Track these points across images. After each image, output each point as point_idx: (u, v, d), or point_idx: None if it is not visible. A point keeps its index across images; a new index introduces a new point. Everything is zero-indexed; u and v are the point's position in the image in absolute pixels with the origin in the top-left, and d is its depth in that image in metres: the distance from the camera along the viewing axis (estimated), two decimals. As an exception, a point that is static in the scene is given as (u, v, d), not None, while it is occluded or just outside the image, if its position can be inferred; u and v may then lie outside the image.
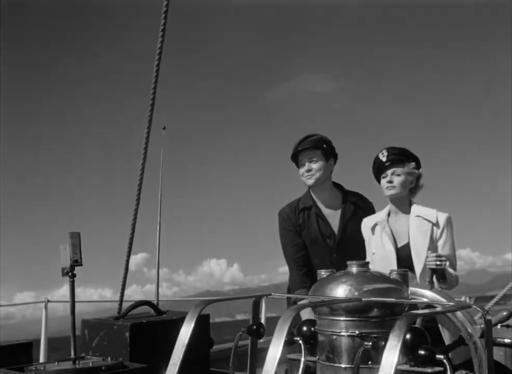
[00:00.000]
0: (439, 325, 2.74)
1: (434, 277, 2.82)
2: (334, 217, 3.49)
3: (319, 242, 3.45)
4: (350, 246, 3.37)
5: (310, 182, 3.48)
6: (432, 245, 2.98)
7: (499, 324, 3.12)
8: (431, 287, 2.73)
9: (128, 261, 3.80)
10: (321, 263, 3.38)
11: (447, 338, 2.72)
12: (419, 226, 3.01)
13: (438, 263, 2.79)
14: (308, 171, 3.46)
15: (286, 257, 3.57)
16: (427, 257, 2.89)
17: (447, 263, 2.92)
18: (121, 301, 3.77)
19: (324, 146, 3.48)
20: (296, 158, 3.54)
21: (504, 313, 2.76)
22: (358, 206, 3.53)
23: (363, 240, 3.31)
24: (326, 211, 3.51)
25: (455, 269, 2.99)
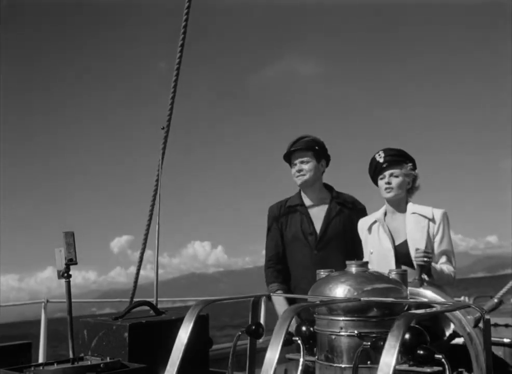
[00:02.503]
0: (444, 326, 2.73)
1: (423, 273, 2.82)
2: (319, 216, 3.58)
3: (301, 239, 3.54)
4: (332, 245, 3.49)
5: (301, 182, 3.59)
6: (430, 242, 2.98)
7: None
8: (420, 284, 2.73)
9: (143, 248, 3.85)
10: (303, 259, 3.51)
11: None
12: (416, 222, 3.02)
13: (425, 259, 2.79)
14: (299, 171, 3.58)
15: (265, 253, 3.71)
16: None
17: (447, 257, 2.94)
18: (135, 287, 3.82)
19: (316, 147, 3.58)
20: (289, 159, 3.65)
21: (495, 300, 2.76)
22: (344, 206, 3.60)
23: (348, 239, 3.45)
24: (312, 210, 3.61)
25: (452, 264, 2.99)
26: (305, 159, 3.56)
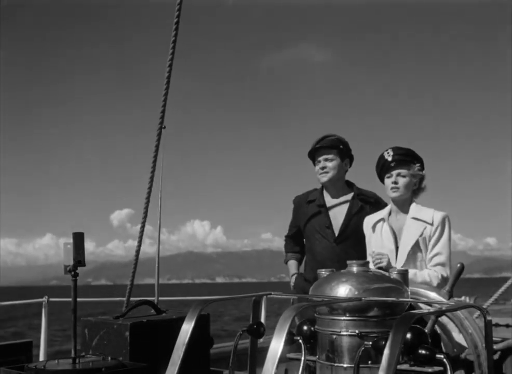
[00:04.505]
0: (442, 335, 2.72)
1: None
2: (339, 212, 3.64)
3: (318, 232, 3.65)
4: (352, 240, 3.54)
5: (324, 179, 3.65)
6: (424, 247, 2.97)
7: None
8: (449, 297, 2.70)
9: (142, 229, 3.87)
10: (322, 251, 3.62)
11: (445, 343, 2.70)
12: (412, 228, 3.01)
13: (377, 262, 2.83)
14: (323, 168, 3.63)
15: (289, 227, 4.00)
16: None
17: (439, 260, 2.93)
18: (131, 288, 3.84)
19: (341, 146, 3.64)
20: (313, 156, 3.70)
21: (458, 265, 2.74)
22: (366, 203, 3.65)
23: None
24: (331, 206, 3.67)
25: (444, 268, 2.95)
26: (329, 156, 3.61)
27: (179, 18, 3.72)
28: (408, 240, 2.99)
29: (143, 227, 3.99)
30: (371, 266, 2.41)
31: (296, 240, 3.92)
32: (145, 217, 3.96)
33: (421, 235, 2.96)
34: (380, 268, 2.80)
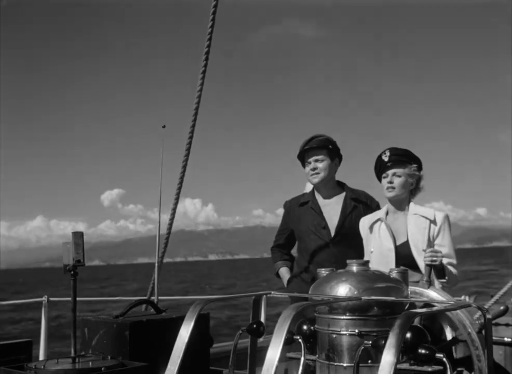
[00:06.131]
0: (442, 324, 2.73)
1: (431, 274, 2.80)
2: (333, 212, 3.61)
3: (314, 233, 3.60)
4: (349, 239, 3.50)
5: (316, 180, 3.62)
6: (429, 244, 2.98)
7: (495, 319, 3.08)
8: (428, 285, 2.71)
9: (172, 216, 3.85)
10: (319, 251, 3.57)
11: (449, 336, 2.71)
12: (417, 223, 3.02)
13: (433, 259, 2.77)
14: (314, 169, 3.60)
15: (275, 236, 3.96)
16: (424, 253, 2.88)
17: (449, 260, 2.93)
18: (150, 296, 3.80)
19: (330, 146, 3.61)
20: (302, 157, 3.67)
21: (501, 307, 2.76)
22: (359, 202, 3.63)
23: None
24: (325, 207, 3.65)
25: (454, 267, 2.98)
26: (319, 157, 3.59)
27: (215, 15, 3.69)
28: (419, 239, 2.99)
29: (172, 219, 3.95)
30: (371, 265, 2.41)
31: (285, 248, 3.88)
32: (176, 203, 3.93)
33: (428, 234, 2.97)
34: (432, 266, 2.76)
